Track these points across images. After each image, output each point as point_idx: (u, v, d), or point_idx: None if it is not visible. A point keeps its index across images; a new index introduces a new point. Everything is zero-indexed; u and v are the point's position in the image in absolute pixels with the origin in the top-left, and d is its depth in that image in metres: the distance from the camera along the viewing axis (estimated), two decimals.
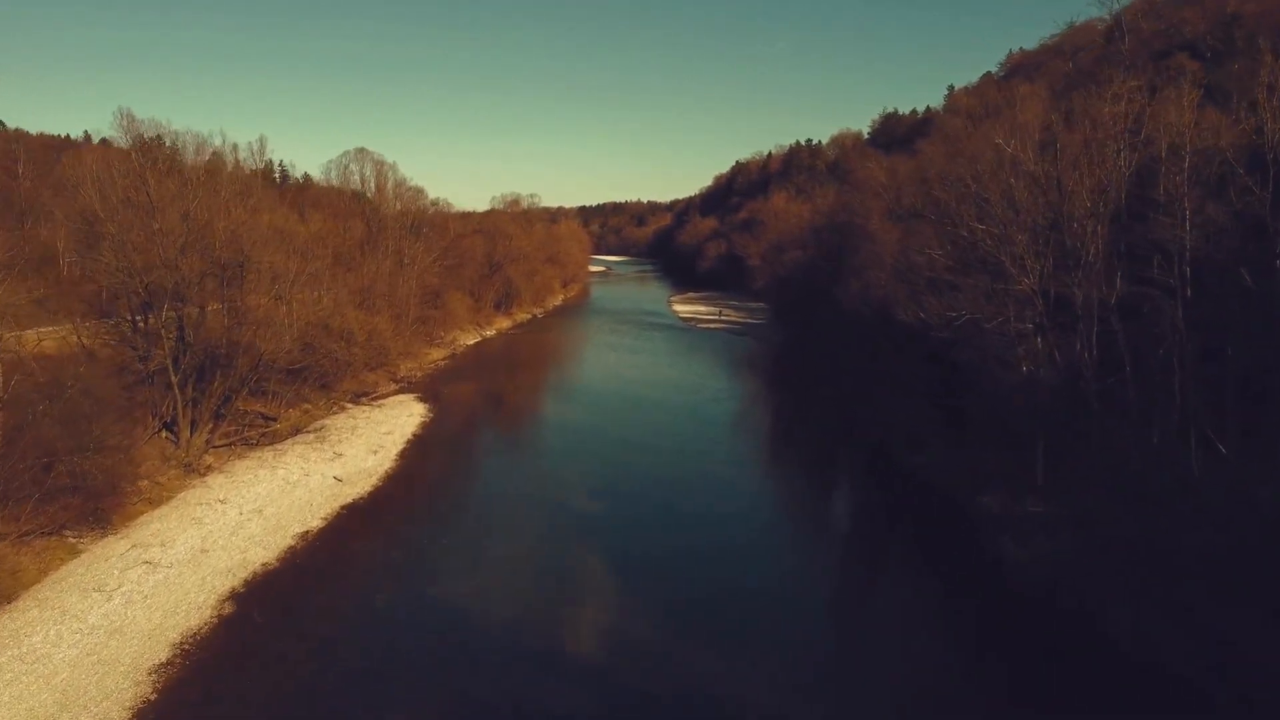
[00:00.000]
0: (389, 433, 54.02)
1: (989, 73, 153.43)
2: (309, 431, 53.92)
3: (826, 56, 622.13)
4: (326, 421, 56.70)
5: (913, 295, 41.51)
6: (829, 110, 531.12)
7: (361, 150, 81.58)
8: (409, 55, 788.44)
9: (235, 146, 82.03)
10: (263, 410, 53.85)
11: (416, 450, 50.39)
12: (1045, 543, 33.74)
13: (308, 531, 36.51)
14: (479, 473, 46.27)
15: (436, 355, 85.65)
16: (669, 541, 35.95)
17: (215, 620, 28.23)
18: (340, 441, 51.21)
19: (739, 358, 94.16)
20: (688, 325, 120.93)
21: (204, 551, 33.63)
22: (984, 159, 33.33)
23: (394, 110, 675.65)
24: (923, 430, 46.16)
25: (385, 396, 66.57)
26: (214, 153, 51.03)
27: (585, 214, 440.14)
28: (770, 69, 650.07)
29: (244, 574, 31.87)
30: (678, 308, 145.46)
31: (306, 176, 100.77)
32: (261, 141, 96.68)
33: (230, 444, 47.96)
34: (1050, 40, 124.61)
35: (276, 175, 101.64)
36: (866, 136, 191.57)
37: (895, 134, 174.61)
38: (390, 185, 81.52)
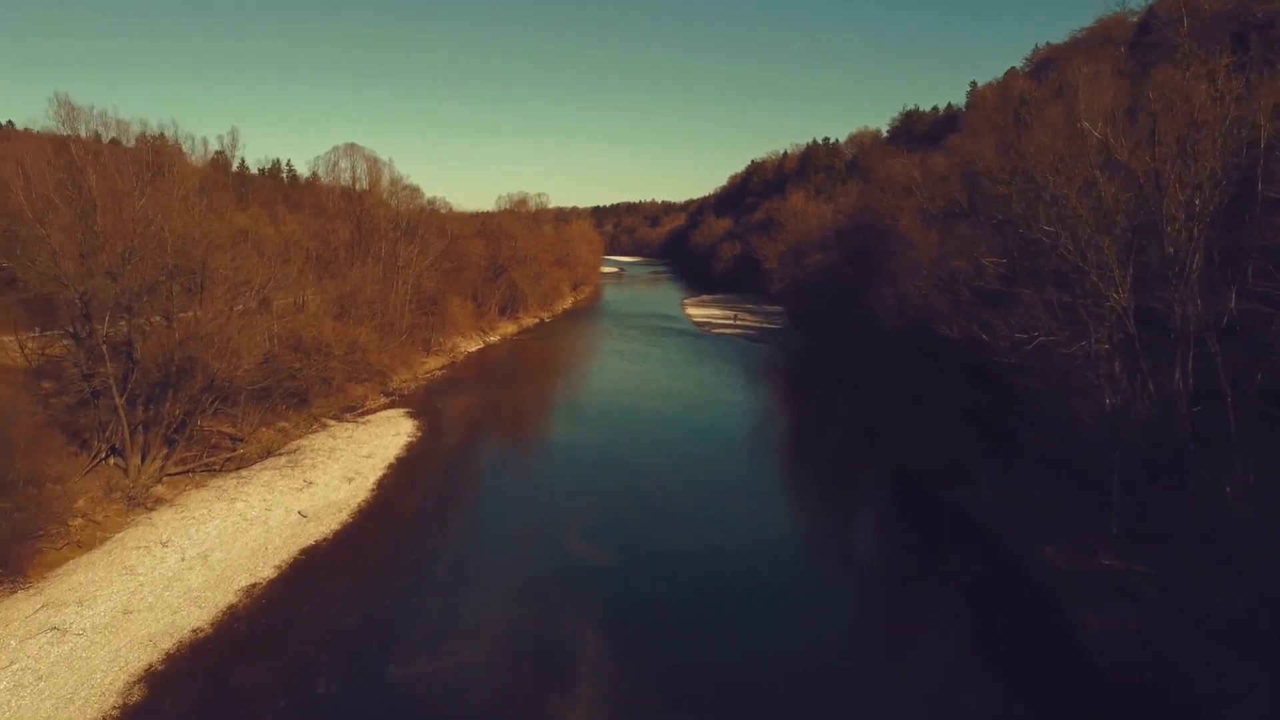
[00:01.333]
0: (369, 456, 48.87)
1: (1013, 68, 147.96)
2: (282, 454, 48.87)
3: (843, 55, 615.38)
4: (303, 442, 51.64)
5: (963, 309, 36.02)
6: (845, 110, 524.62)
7: (352, 146, 76.68)
8: (420, 55, 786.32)
9: (205, 141, 77.20)
10: (230, 431, 48.87)
11: (397, 478, 45.22)
12: (1126, 610, 28.15)
13: (255, 584, 31.33)
14: (463, 508, 40.95)
15: (434, 364, 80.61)
16: (678, 601, 30.55)
17: (119, 712, 23.09)
18: (314, 467, 46.11)
19: (755, 367, 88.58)
20: (701, 330, 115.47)
21: (128, 613, 28.53)
22: (1054, 150, 27.76)
23: (403, 111, 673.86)
24: (965, 459, 40.60)
25: (373, 411, 61.53)
26: (155, 141, 45.61)
27: (599, 214, 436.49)
28: (786, 68, 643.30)
29: (169, 644, 26.74)
30: (691, 311, 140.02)
31: (292, 174, 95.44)
32: (233, 135, 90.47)
33: (188, 471, 42.95)
34: (1080, 33, 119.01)
35: (282, 173, 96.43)
36: (886, 135, 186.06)
37: (917, 132, 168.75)
38: (385, 183, 76.61)
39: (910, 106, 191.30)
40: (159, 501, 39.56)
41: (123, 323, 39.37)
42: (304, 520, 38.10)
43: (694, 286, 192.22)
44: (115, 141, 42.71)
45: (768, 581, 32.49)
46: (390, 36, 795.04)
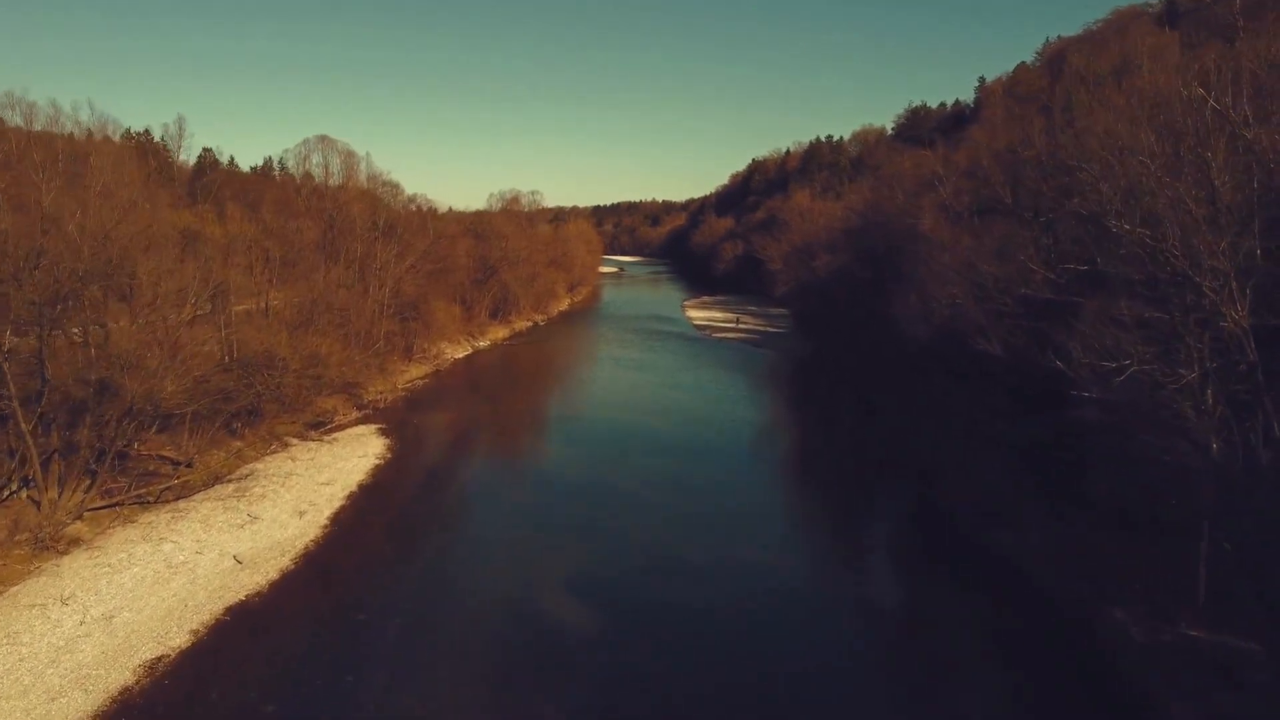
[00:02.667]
0: (328, 483, 43.46)
1: (1023, 63, 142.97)
2: (231, 480, 43.51)
3: (843, 54, 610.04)
4: (258, 465, 46.27)
5: (1005, 322, 30.65)
6: (846, 109, 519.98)
7: (325, 138, 71.18)
8: (419, 55, 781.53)
9: (146, 131, 70.77)
10: (172, 455, 43.46)
11: (355, 512, 39.81)
12: (1227, 698, 22.74)
13: (162, 657, 25.90)
14: (425, 554, 35.29)
15: (416, 372, 75.17)
16: (673, 679, 25.15)
17: None
18: (263, 497, 40.72)
19: (759, 376, 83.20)
20: (702, 334, 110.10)
21: None
22: (1135, 131, 22.36)
23: (403, 112, 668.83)
24: (1007, 495, 35.12)
25: (343, 427, 56.14)
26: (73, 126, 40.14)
27: (599, 214, 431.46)
28: (786, 67, 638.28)
29: None
30: (692, 314, 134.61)
31: (261, 169, 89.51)
32: (179, 124, 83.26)
33: (116, 505, 37.56)
34: (1095, 25, 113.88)
35: (238, 166, 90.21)
36: (891, 131, 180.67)
37: (924, 128, 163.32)
38: (363, 179, 71.15)
39: (916, 103, 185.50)
40: (74, 543, 34.16)
41: (33, 336, 34.06)
42: (238, 568, 32.70)
43: (694, 287, 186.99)
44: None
45: (778, 643, 27.08)
46: (389, 36, 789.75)
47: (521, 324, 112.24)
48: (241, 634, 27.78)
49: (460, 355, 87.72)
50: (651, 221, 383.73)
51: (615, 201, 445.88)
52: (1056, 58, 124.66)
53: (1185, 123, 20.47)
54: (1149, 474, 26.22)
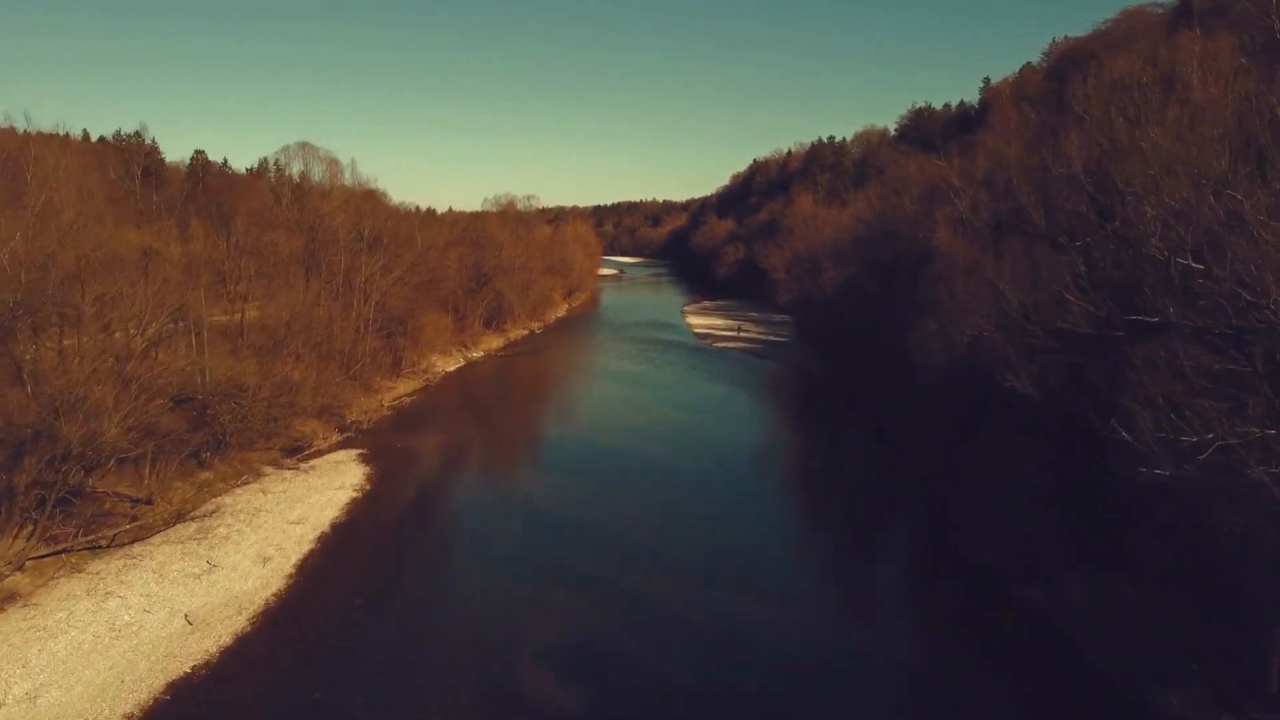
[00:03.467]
0: (298, 521, 40.29)
1: (1029, 63, 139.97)
2: (194, 518, 40.36)
3: (843, 54, 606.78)
4: (226, 499, 43.11)
5: (1037, 356, 27.43)
6: (847, 109, 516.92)
7: (305, 145, 67.71)
8: (418, 55, 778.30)
9: (119, 133, 66.66)
10: (131, 492, 40.28)
11: (324, 557, 36.63)
12: None
13: None
14: (394, 612, 31.76)
15: (404, 389, 71.97)
16: None
17: None
18: (226, 540, 37.54)
19: (764, 392, 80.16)
20: (703, 344, 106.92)
21: None
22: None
23: (401, 112, 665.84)
24: (1042, 547, 31.81)
25: (323, 453, 52.97)
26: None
27: (599, 214, 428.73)
28: (787, 67, 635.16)
29: None
30: (692, 320, 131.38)
31: (250, 169, 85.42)
32: (140, 131, 77.00)
33: (63, 551, 34.41)
34: (1104, 25, 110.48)
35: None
36: (895, 133, 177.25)
37: (929, 130, 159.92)
38: (347, 184, 67.75)
39: (919, 104, 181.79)
40: (10, 598, 30.97)
41: None
42: (188, 630, 29.53)
43: (695, 290, 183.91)
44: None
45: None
46: (388, 37, 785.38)
47: (517, 333, 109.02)
48: (182, 717, 24.61)
49: (452, 368, 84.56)
50: (652, 222, 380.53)
51: (616, 201, 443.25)
52: (1065, 58, 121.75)
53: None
54: (1207, 536, 23.08)
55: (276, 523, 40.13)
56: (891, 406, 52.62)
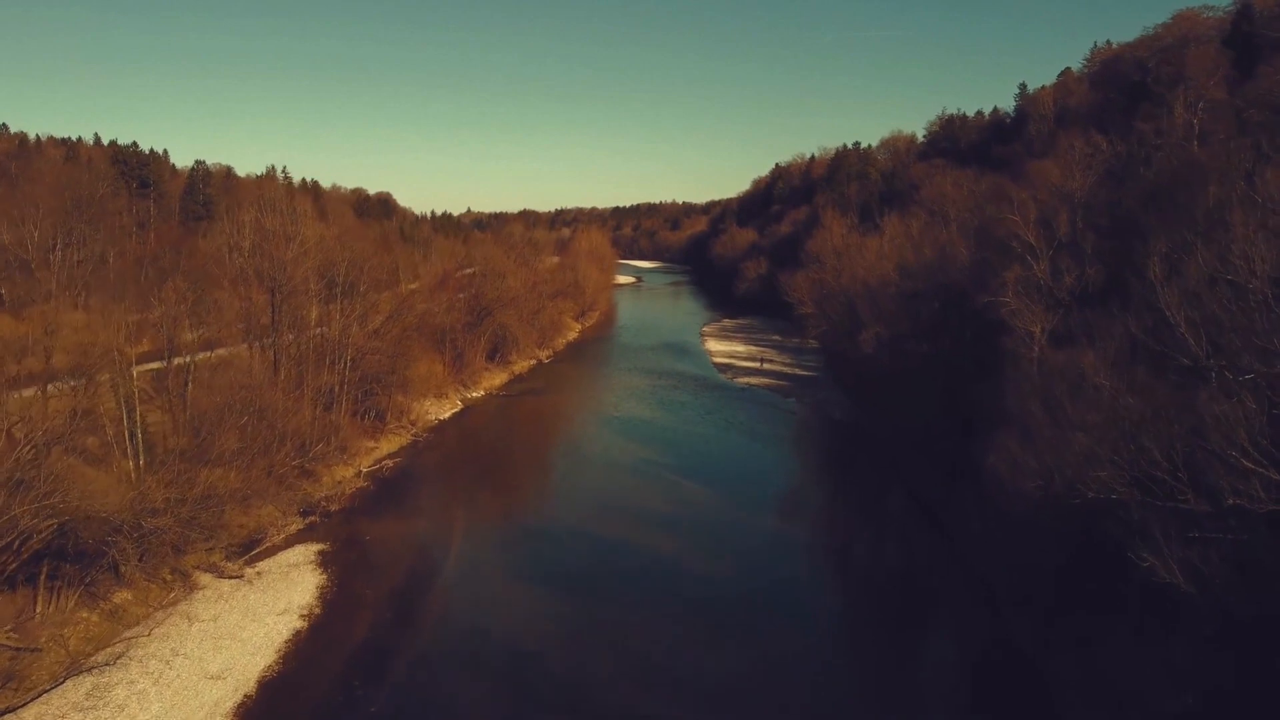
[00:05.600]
0: (219, 676, 32.33)
1: (1068, 68, 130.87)
2: (91, 669, 32.54)
3: (869, 54, 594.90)
4: (140, 634, 35.28)
5: (1232, 554, 19.05)
6: (871, 110, 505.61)
7: (270, 177, 59.52)
8: (430, 54, 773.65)
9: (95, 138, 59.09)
10: (13, 636, 32.48)
11: None
12: None
13: None
14: None
15: (387, 447, 64.16)
16: None
17: None
18: (121, 709, 29.73)
19: (789, 446, 71.79)
20: (723, 376, 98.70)
21: None
22: None
23: (417, 113, 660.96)
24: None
25: (278, 549, 45.37)
26: None
27: (618, 215, 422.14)
28: (811, 67, 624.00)
29: None
30: (712, 346, 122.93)
31: (253, 175, 77.78)
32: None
33: None
34: (1154, 30, 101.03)
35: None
36: (923, 139, 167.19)
37: (962, 139, 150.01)
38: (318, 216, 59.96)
39: (950, 111, 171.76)
40: None
41: None
42: None
43: (715, 305, 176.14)
44: None
45: None
46: (400, 36, 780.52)
47: (522, 365, 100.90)
48: None
49: (446, 414, 76.71)
50: (671, 225, 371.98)
51: (635, 203, 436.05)
52: (1112, 65, 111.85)
53: None
54: None
55: (191, 677, 32.26)
56: (935, 475, 44.16)
